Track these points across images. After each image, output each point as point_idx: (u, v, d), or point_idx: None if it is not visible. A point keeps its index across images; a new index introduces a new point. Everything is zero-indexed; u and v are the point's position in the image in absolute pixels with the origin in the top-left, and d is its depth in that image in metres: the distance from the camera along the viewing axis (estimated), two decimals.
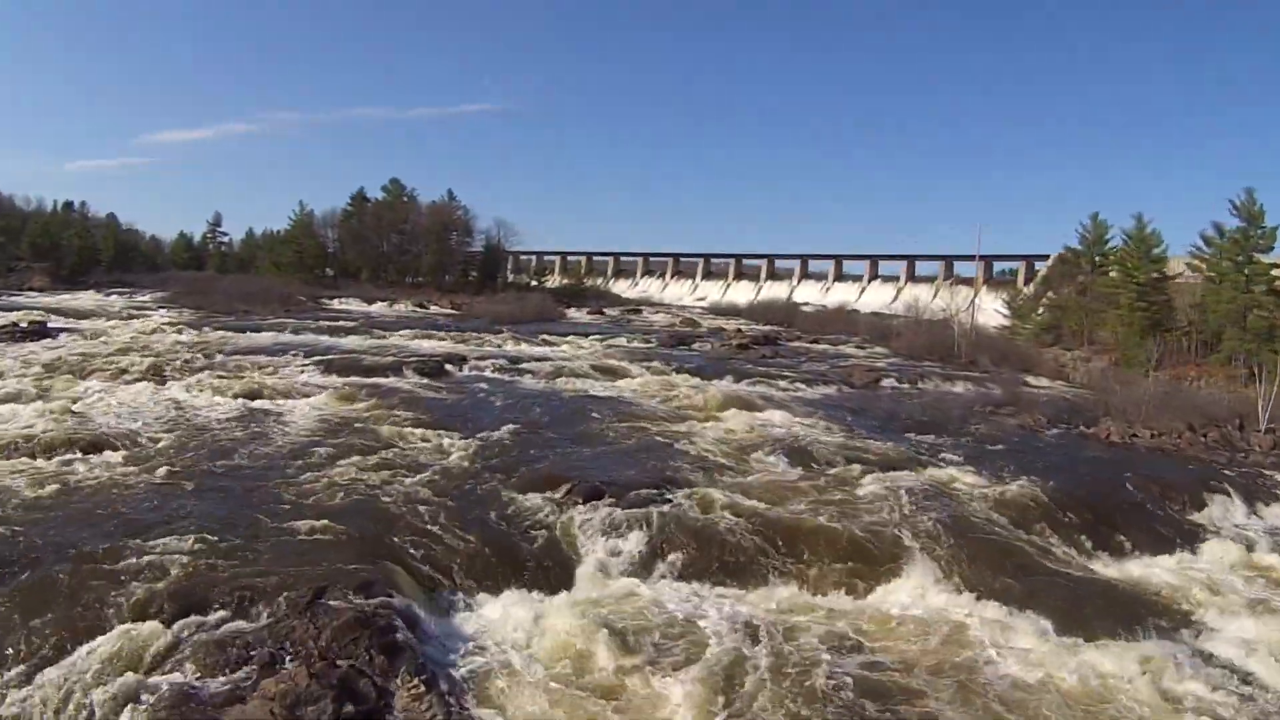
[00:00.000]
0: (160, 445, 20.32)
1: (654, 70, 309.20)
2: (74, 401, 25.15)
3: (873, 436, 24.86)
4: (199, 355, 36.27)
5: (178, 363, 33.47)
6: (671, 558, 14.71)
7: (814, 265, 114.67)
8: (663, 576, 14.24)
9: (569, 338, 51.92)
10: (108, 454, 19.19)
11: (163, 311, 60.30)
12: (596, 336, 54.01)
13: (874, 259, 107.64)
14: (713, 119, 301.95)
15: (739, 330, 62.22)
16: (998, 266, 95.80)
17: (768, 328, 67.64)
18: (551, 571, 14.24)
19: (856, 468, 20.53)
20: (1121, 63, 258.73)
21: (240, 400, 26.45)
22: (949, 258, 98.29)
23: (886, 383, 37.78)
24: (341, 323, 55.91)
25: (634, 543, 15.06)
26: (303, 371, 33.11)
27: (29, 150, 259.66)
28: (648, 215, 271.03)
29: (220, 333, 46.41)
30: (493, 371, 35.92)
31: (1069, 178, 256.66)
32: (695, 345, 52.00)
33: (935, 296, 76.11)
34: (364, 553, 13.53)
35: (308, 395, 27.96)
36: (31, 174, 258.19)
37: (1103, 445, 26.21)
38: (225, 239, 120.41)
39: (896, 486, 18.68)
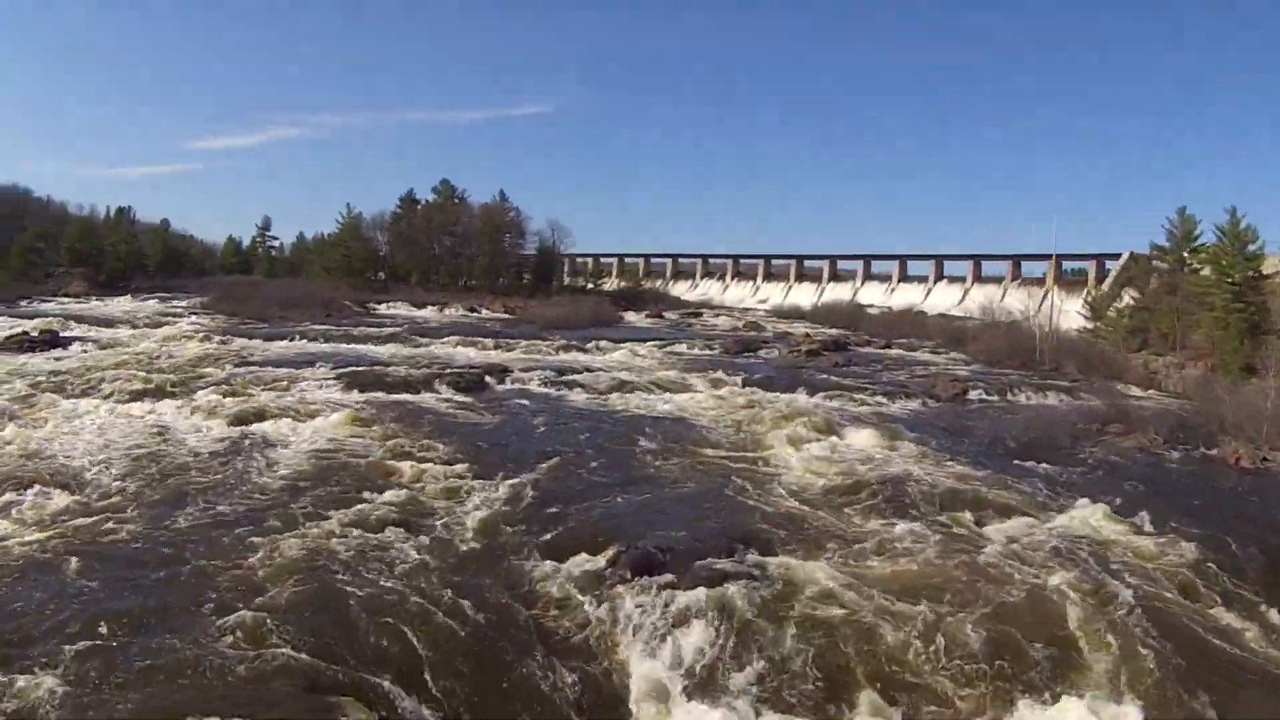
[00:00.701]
0: (107, 489, 16.35)
1: (704, 69, 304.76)
2: (43, 426, 21.64)
3: (978, 467, 20.70)
4: (213, 368, 32.69)
5: (185, 377, 29.80)
6: (752, 672, 10.27)
7: (877, 266, 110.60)
8: (742, 704, 9.73)
9: (625, 344, 47.61)
10: (40, 499, 15.48)
11: (194, 318, 57.10)
12: (655, 343, 49.49)
13: (939, 259, 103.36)
14: (766, 117, 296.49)
15: (807, 335, 57.71)
16: (1065, 266, 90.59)
17: (835, 331, 63.63)
18: (588, 696, 9.91)
19: (970, 516, 16.42)
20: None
21: (235, 426, 22.60)
22: (1017, 257, 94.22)
23: (974, 394, 33.71)
24: (383, 329, 52.15)
25: (701, 646, 10.67)
26: (321, 387, 29.18)
27: (82, 157, 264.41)
28: (705, 216, 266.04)
29: (246, 341, 42.65)
30: (538, 385, 31.86)
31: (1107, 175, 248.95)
32: (761, 352, 47.77)
33: (1004, 297, 72.92)
34: (312, 676, 9.36)
35: (318, 417, 23.95)
36: (85, 180, 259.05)
37: (1234, 472, 22.26)
38: (275, 243, 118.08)
39: (1029, 545, 14.63)
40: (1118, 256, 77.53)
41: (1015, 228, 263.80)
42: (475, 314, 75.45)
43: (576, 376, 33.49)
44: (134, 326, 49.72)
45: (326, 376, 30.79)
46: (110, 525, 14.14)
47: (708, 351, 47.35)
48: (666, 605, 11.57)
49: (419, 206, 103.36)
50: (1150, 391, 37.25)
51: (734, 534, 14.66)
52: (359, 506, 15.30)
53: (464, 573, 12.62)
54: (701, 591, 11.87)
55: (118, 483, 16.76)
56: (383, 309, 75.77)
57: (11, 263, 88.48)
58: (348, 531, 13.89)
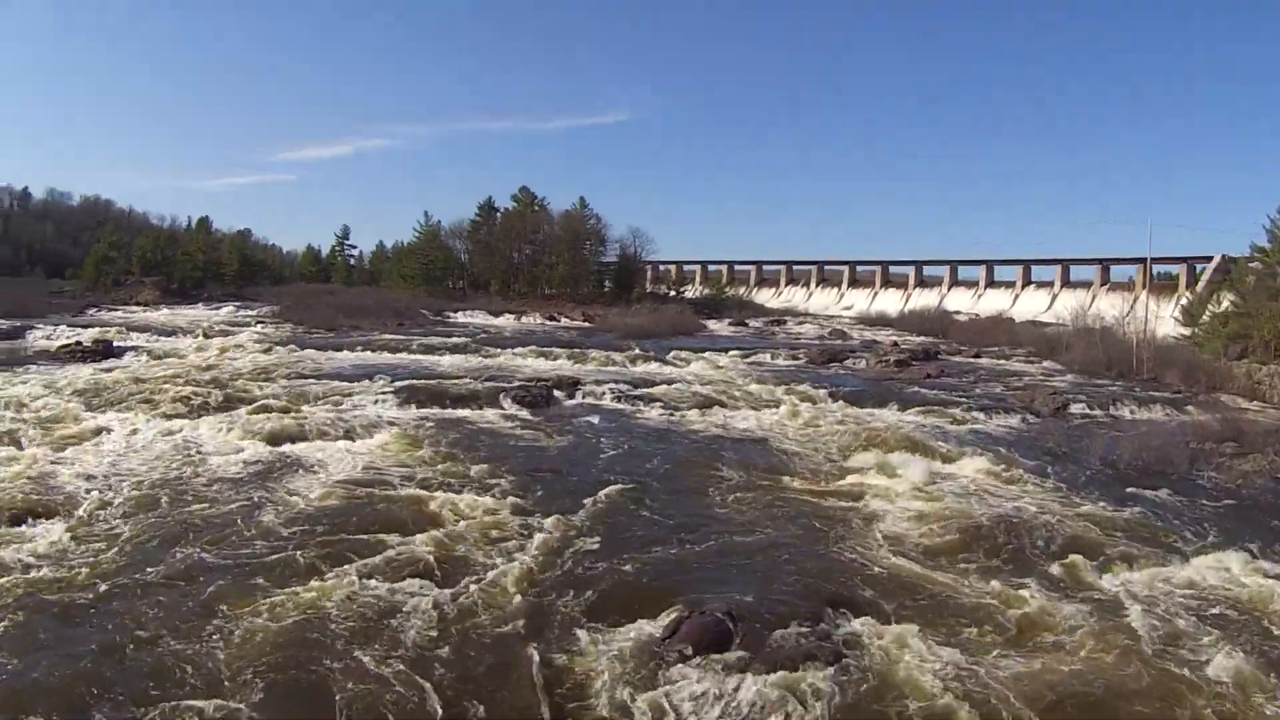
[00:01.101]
0: (99, 526, 14.22)
1: (787, 74, 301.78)
2: (66, 447, 19.83)
3: (1097, 501, 18.02)
4: (267, 381, 30.99)
5: (234, 391, 28.06)
6: None
7: (963, 272, 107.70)
8: None
9: (705, 354, 44.94)
10: (28, 534, 13.70)
11: (260, 327, 55.75)
12: (736, 352, 46.82)
13: (1026, 264, 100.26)
14: (850, 123, 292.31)
15: (895, 344, 53.94)
16: (1153, 270, 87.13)
17: (923, 339, 60.57)
18: None
19: (1100, 569, 13.68)
20: None
21: (271, 447, 20.62)
22: (1105, 261, 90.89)
23: (1075, 409, 30.68)
24: (453, 339, 49.91)
25: None
26: (376, 401, 27.14)
27: (172, 168, 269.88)
28: (790, 223, 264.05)
29: (308, 352, 40.97)
30: (610, 399, 29.47)
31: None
32: (848, 362, 44.29)
33: (1093, 302, 73.23)
34: None
35: (364, 437, 21.97)
36: (174, 192, 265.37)
37: None
38: (354, 252, 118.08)
39: (1176, 612, 12.04)
40: (1209, 259, 75.64)
41: (1098, 231, 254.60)
42: (554, 323, 73.75)
43: (651, 390, 31.05)
44: (196, 336, 48.33)
45: (384, 390, 28.71)
46: (82, 573, 11.96)
47: (792, 362, 44.49)
48: (734, 694, 9.11)
49: (498, 214, 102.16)
50: (1254, 403, 33.89)
51: (821, 595, 12.05)
52: (379, 556, 12.78)
53: (489, 652, 10.02)
54: (779, 678, 9.41)
55: (116, 518, 14.60)
56: (459, 318, 74.62)
57: (85, 273, 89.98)
58: (357, 591, 11.37)
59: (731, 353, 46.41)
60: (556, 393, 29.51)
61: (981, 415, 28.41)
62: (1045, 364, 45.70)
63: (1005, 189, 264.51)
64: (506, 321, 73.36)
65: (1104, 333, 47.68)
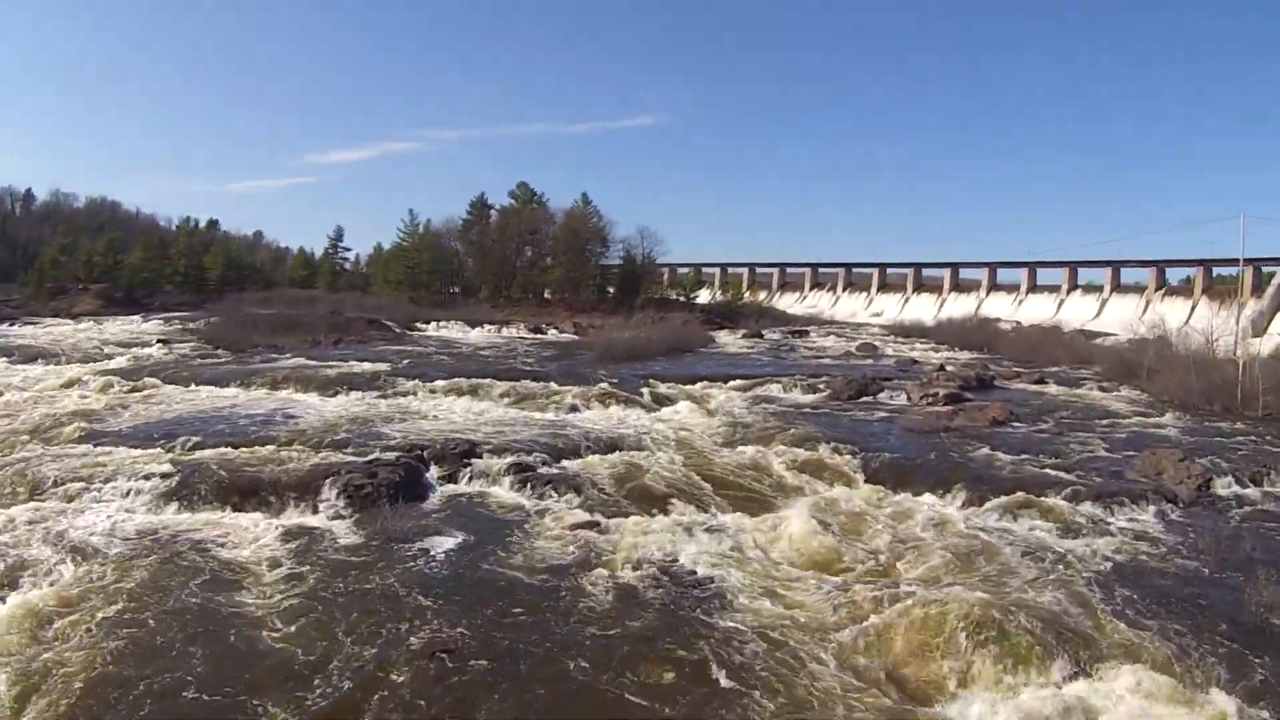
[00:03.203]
0: None
1: (815, 72, 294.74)
2: None
3: None
4: (38, 444, 22.12)
5: None
6: None
7: (1003, 275, 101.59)
8: None
9: (698, 384, 35.10)
10: None
11: (157, 347, 46.22)
12: (740, 382, 36.34)
13: (1072, 265, 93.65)
14: (880, 120, 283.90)
15: (940, 369, 42.78)
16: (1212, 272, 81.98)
17: (968, 356, 51.99)
18: None
19: None
20: None
21: None
22: (1161, 263, 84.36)
23: (1221, 485, 20.57)
24: (379, 365, 39.08)
25: None
26: (131, 493, 17.45)
27: (199, 172, 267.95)
28: (817, 225, 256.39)
29: (164, 389, 31.09)
30: (508, 487, 19.16)
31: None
32: (883, 395, 33.57)
33: (1147, 309, 70.43)
34: None
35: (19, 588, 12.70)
36: (199, 195, 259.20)
37: None
38: (347, 254, 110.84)
39: None
40: (1277, 260, 71.86)
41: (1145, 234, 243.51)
42: (538, 335, 64.50)
43: (578, 467, 20.86)
44: (59, 362, 39.23)
45: (155, 472, 18.60)
46: None
47: (809, 395, 33.93)
48: None
49: (492, 212, 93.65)
50: None
51: None
52: None
53: None
54: None
55: None
56: (430, 329, 66.01)
57: (33, 279, 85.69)
58: None
59: (734, 381, 36.35)
60: (428, 474, 19.38)
61: (1097, 510, 18.29)
62: (1123, 392, 36.05)
63: (1041, 189, 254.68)
64: (481, 334, 64.21)
65: (1195, 353, 38.03)
